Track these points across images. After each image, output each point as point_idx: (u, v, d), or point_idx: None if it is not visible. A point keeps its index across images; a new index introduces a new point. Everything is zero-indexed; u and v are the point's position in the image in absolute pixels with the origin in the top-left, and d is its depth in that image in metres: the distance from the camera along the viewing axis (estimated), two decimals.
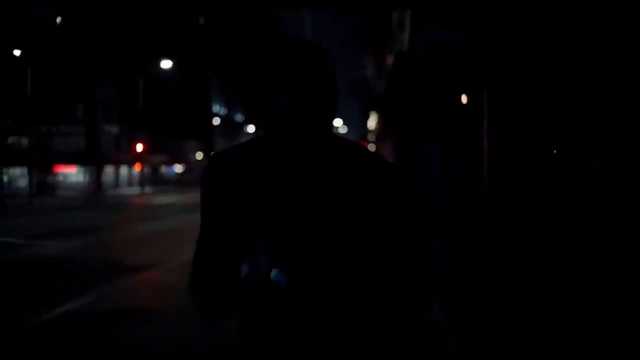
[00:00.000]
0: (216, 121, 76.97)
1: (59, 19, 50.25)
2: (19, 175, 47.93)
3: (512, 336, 7.19)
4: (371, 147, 43.39)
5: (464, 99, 10.23)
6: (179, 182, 66.26)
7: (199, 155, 71.58)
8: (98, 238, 19.90)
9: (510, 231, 8.20)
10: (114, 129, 57.00)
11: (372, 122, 50.32)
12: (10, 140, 45.39)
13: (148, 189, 58.49)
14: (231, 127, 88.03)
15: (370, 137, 54.86)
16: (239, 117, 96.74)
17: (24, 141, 47.78)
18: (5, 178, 41.15)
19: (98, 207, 34.90)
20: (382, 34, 25.86)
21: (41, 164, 48.22)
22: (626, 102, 6.11)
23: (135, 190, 56.86)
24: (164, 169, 67.30)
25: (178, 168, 68.93)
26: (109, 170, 57.71)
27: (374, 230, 2.11)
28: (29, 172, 45.34)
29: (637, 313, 5.90)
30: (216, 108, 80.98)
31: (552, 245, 7.55)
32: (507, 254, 8.43)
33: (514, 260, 8.22)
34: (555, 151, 6.97)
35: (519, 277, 7.96)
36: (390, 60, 17.14)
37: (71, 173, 54.54)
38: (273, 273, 1.97)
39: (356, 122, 79.38)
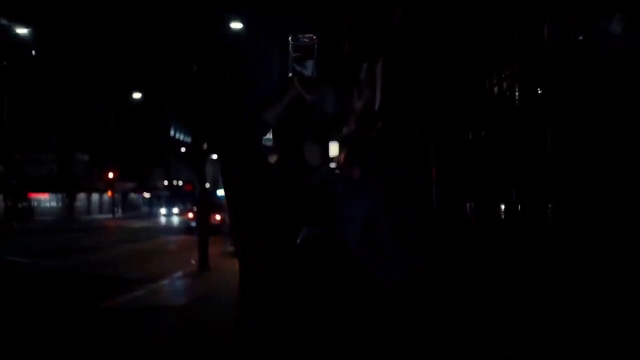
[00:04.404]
0: (182, 149, 78.56)
1: (33, 52, 51.85)
2: None
3: None
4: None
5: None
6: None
7: (165, 182, 72.91)
8: (97, 257, 21.55)
9: (452, 233, 10.79)
10: (85, 157, 58.56)
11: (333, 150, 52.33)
12: None
13: (119, 215, 59.99)
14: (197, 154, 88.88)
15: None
16: (205, 145, 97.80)
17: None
18: None
19: (79, 231, 36.18)
20: (350, 83, 28.07)
21: (16, 190, 49.59)
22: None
23: (107, 215, 58.26)
24: (133, 195, 68.88)
25: (146, 195, 70.52)
26: (81, 196, 59.07)
27: None
28: (4, 198, 46.64)
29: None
30: (181, 136, 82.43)
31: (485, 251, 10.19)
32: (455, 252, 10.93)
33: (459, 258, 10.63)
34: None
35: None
36: (358, 104, 19.67)
37: (44, 199, 55.95)
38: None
39: None
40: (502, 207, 10.80)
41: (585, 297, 6.89)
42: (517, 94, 10.17)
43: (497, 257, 9.35)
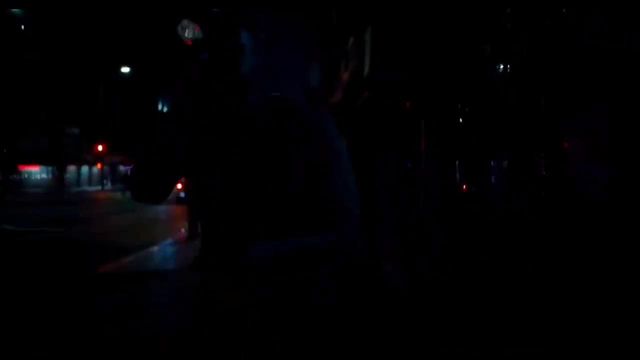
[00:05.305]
0: None
1: (22, 27, 51.85)
2: None
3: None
4: None
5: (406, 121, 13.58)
6: None
7: None
8: (92, 226, 22.20)
9: (438, 199, 11.31)
10: (75, 131, 58.71)
11: None
12: None
13: (108, 187, 60.20)
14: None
15: None
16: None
17: None
18: None
19: (70, 203, 36.44)
20: (337, 53, 28.08)
21: (6, 162, 49.74)
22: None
23: (96, 187, 58.47)
24: (121, 167, 69.20)
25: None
26: (71, 168, 59.31)
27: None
28: None
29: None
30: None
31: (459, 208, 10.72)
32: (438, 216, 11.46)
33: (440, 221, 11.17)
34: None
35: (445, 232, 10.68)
36: (345, 75, 19.82)
37: (34, 171, 56.18)
38: None
39: None
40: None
41: (585, 296, 6.86)
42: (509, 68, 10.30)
43: (497, 257, 9.24)
